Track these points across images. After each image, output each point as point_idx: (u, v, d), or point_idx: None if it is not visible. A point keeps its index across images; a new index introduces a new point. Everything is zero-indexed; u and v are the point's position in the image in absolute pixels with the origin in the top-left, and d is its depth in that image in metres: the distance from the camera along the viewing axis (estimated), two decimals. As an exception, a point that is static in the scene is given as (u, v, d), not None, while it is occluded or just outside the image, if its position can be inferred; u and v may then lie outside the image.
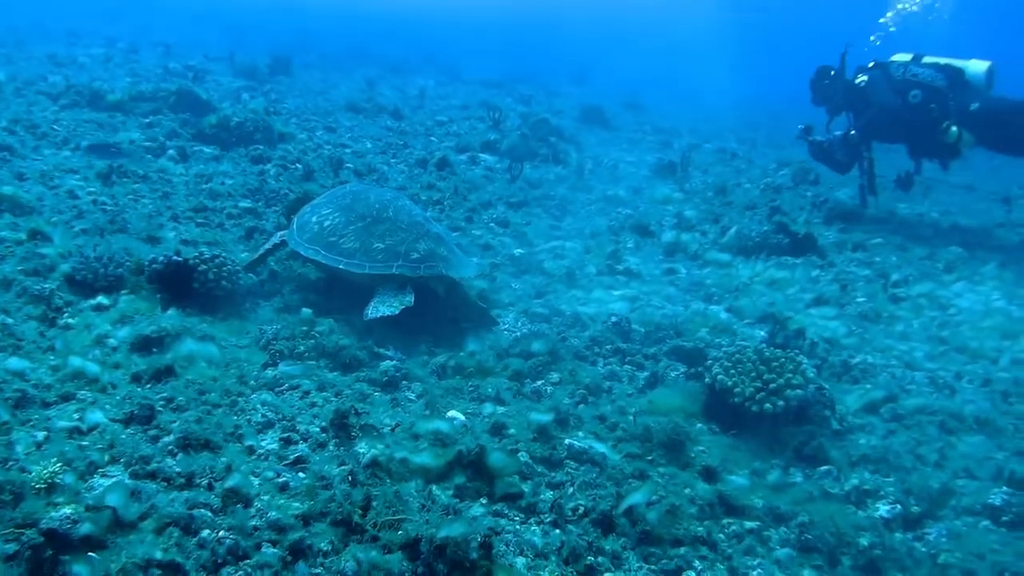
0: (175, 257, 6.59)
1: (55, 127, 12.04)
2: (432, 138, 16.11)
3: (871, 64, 13.04)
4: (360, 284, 7.11)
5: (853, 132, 13.01)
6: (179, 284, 6.58)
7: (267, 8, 52.18)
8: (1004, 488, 5.34)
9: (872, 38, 16.84)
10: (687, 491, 4.91)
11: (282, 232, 7.71)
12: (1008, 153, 13.04)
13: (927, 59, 12.53)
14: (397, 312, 6.66)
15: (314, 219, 7.37)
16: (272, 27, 39.49)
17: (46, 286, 6.38)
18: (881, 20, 17.91)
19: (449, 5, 79.83)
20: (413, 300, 6.81)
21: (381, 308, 6.72)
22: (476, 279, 8.34)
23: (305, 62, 25.84)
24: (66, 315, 6.19)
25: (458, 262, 7.34)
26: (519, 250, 9.47)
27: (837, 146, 13.21)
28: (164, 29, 30.98)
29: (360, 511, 4.16)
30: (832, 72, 13.36)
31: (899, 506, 5.07)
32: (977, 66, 12.19)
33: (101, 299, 6.47)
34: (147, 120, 13.30)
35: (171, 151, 11.55)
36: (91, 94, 14.01)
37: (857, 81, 12.94)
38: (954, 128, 12.05)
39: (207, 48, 26.35)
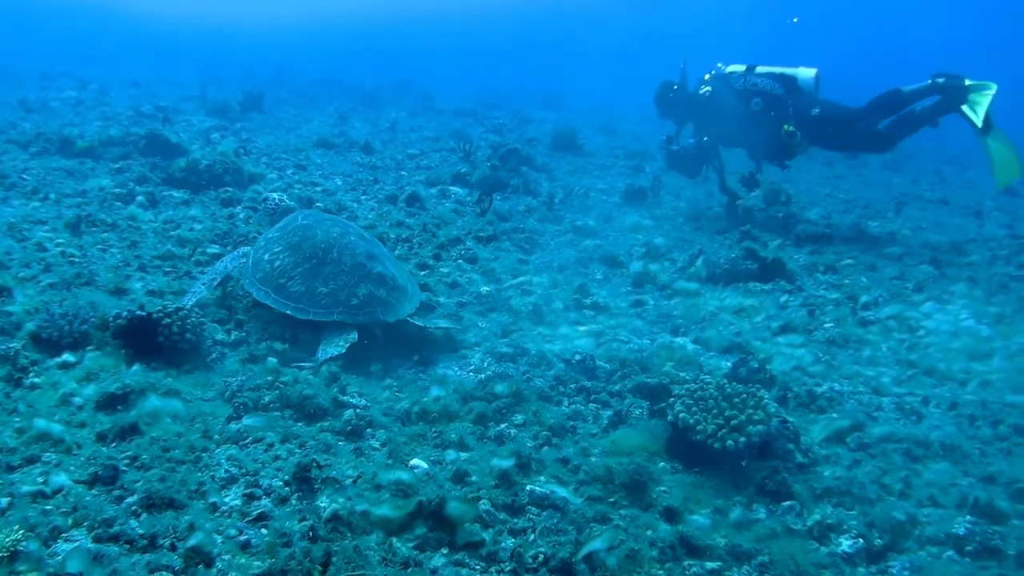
0: (139, 312, 6.60)
1: (24, 176, 12.03)
2: (403, 172, 16.14)
3: (707, 76, 14.27)
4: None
5: (706, 139, 14.18)
6: (144, 339, 6.57)
7: (242, 42, 52.26)
8: (968, 516, 5.36)
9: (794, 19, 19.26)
10: (648, 533, 4.91)
11: (244, 248, 8.22)
12: (843, 152, 15.49)
13: (760, 68, 13.81)
14: (344, 350, 7.13)
15: (266, 256, 7.80)
16: (247, 59, 39.57)
17: (11, 345, 6.37)
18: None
19: (428, 31, 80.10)
20: (357, 336, 7.32)
21: (329, 349, 7.18)
22: (440, 319, 8.38)
23: (278, 97, 25.85)
24: (31, 374, 6.18)
25: (397, 302, 7.77)
26: (486, 287, 9.47)
27: (690, 153, 14.38)
28: (138, 67, 31.06)
29: (320, 568, 4.17)
30: (675, 86, 14.47)
31: (862, 540, 5.08)
32: (806, 72, 13.58)
33: (67, 356, 6.46)
34: (116, 166, 13.27)
35: (140, 197, 11.52)
36: (61, 141, 14.02)
37: (701, 92, 14.09)
38: (794, 130, 13.22)
39: (181, 85, 26.43)
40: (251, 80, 27.56)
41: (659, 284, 10.20)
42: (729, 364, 7.64)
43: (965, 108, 12.38)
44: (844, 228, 13.70)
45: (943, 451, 6.34)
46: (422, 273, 9.77)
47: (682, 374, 7.37)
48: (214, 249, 9.74)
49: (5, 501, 4.60)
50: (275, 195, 9.75)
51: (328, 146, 17.92)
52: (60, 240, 9.39)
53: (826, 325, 8.98)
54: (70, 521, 4.46)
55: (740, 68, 14.03)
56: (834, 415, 6.85)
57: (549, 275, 10.13)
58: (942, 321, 9.17)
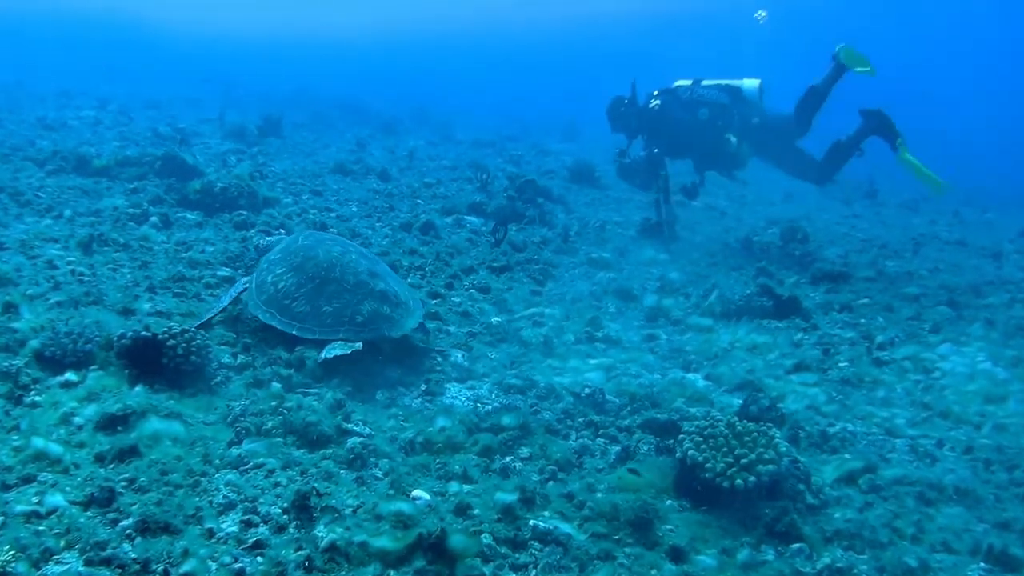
0: (143, 332, 6.53)
1: (39, 194, 12.01)
2: (419, 200, 16.07)
3: (656, 92, 14.69)
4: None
5: (656, 151, 14.49)
6: (148, 359, 6.49)
7: (263, 65, 52.42)
8: (982, 563, 5.26)
9: (760, 13, 21.09)
10: (653, 572, 4.81)
11: (243, 280, 8.21)
12: (784, 170, 15.19)
13: (706, 82, 14.46)
14: (348, 352, 7.30)
15: (269, 279, 7.88)
16: (268, 82, 39.65)
17: (14, 363, 6.30)
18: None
19: (449, 61, 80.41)
20: (361, 346, 7.44)
21: (333, 351, 7.31)
22: (452, 349, 8.29)
23: (297, 121, 25.83)
24: (33, 393, 6.10)
25: (400, 317, 7.91)
26: (497, 318, 9.41)
27: (641, 165, 14.73)
28: (158, 87, 31.09)
29: (314, 599, 4.09)
30: (626, 101, 14.83)
31: (872, 585, 5.00)
32: (751, 83, 14.31)
33: (70, 375, 6.37)
34: (132, 186, 13.25)
35: (154, 218, 11.49)
36: (77, 159, 13.98)
37: (651, 105, 14.48)
38: (733, 138, 13.91)
39: (201, 106, 26.42)
40: (269, 103, 27.56)
41: (672, 319, 10.11)
42: (740, 401, 7.53)
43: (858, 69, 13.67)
44: (861, 267, 13.58)
45: (957, 495, 6.21)
46: (433, 302, 9.69)
47: (692, 410, 7.27)
48: (225, 272, 9.68)
49: (-2, 520, 4.52)
50: (266, 239, 9.65)
51: (345, 172, 17.87)
52: (71, 258, 9.34)
53: (840, 364, 8.88)
54: (62, 543, 4.37)
55: (687, 82, 14.63)
56: (846, 456, 6.74)
57: (562, 307, 10.04)
58: (958, 363, 9.05)
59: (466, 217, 14.68)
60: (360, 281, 7.87)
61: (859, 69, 13.61)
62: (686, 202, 15.40)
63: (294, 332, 7.53)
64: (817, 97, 14.05)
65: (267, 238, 9.44)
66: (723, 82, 14.44)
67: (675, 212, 15.26)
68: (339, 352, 7.27)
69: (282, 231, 11.59)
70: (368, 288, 7.84)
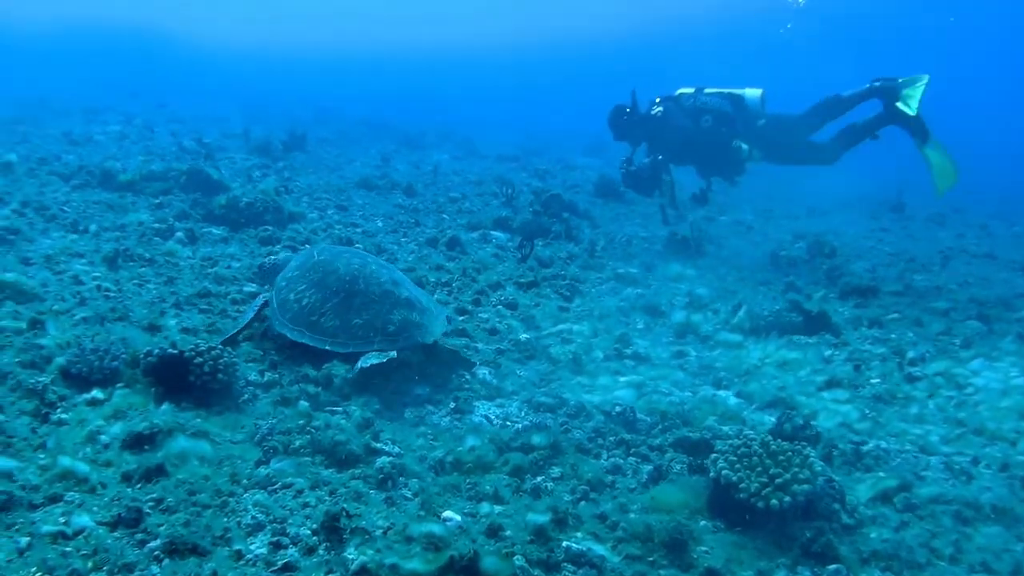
0: (170, 350, 6.49)
1: (64, 209, 12.02)
2: (444, 215, 16.05)
3: (658, 100, 14.89)
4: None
5: (660, 157, 14.53)
6: (174, 377, 6.45)
7: (287, 83, 52.59)
8: (1022, 584, 5.18)
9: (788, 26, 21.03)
10: (689, 595, 4.75)
11: (264, 295, 8.20)
12: (791, 165, 15.24)
13: (708, 90, 14.60)
14: (384, 361, 7.28)
15: (292, 296, 7.85)
16: (292, 99, 39.76)
17: (41, 380, 6.26)
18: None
19: (469, 78, 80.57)
20: (396, 353, 7.43)
21: (369, 360, 7.30)
22: (481, 366, 8.23)
23: (321, 137, 25.89)
24: (59, 410, 6.06)
25: (429, 323, 7.95)
26: (525, 335, 9.32)
27: (646, 172, 14.74)
28: (182, 104, 31.19)
29: (345, 624, 4.02)
30: (628, 110, 14.95)
31: (911, 608, 4.90)
32: (752, 92, 14.43)
33: (96, 393, 6.32)
34: (157, 200, 13.27)
35: (180, 233, 11.48)
36: (102, 174, 14.03)
37: (653, 113, 14.66)
38: (744, 145, 14.04)
39: (225, 124, 26.47)
40: (294, 119, 27.61)
41: (701, 335, 10.01)
42: (772, 419, 7.42)
43: (899, 104, 13.39)
44: (889, 281, 13.47)
45: (994, 514, 6.10)
46: (461, 318, 9.63)
47: (725, 428, 7.18)
48: (251, 287, 9.63)
49: (25, 541, 4.46)
50: (271, 258, 9.58)
51: (370, 187, 17.87)
52: (97, 274, 9.33)
53: (872, 381, 8.76)
54: (90, 564, 4.32)
55: (690, 90, 14.75)
56: (881, 474, 6.63)
57: (590, 323, 9.94)
58: (991, 379, 8.92)
59: (492, 232, 14.63)
60: (386, 291, 7.86)
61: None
62: (714, 217, 15.38)
63: (327, 347, 7.49)
64: (850, 135, 14.26)
65: (272, 257, 9.36)
66: (725, 90, 14.59)
67: (701, 227, 15.26)
68: (375, 361, 7.25)
69: (307, 246, 11.55)
70: (395, 297, 7.84)
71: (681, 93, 14.78)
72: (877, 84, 13.80)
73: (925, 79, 13.37)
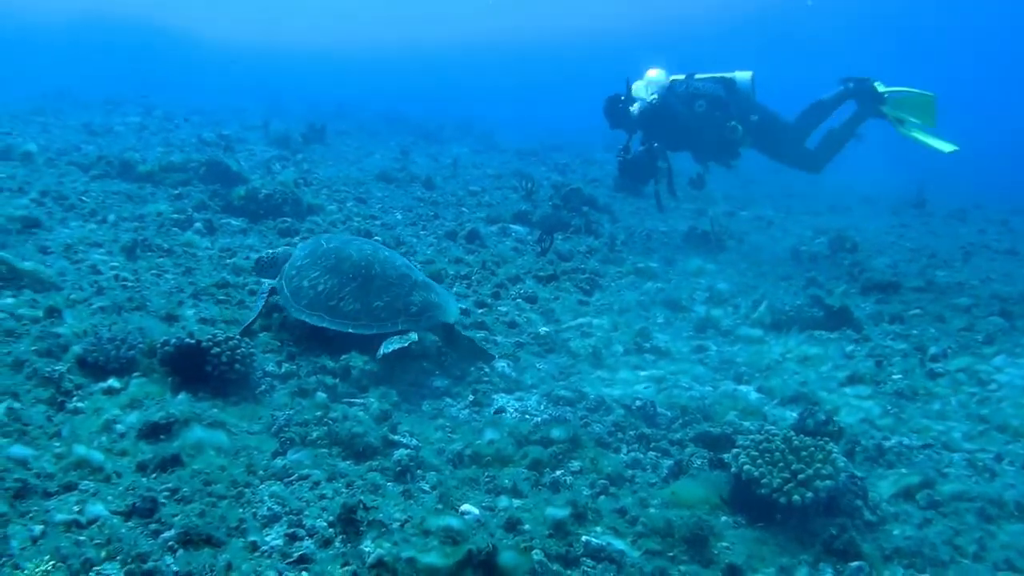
0: (187, 339, 6.45)
1: (83, 199, 12.01)
2: (463, 209, 16.02)
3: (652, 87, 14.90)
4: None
5: (656, 144, 14.72)
6: (191, 367, 6.41)
7: (306, 76, 52.70)
8: (1047, 584, 5.10)
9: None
10: (709, 592, 4.67)
11: (269, 281, 8.19)
12: (776, 161, 15.45)
13: (699, 75, 14.82)
14: (406, 345, 7.33)
15: (305, 284, 7.79)
16: (311, 92, 39.81)
17: (57, 368, 6.24)
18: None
19: (490, 68, 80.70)
20: (417, 337, 7.50)
21: (392, 345, 7.31)
22: (500, 359, 8.18)
23: (341, 129, 25.90)
24: (75, 399, 6.03)
25: (446, 304, 8.02)
26: (545, 328, 9.26)
27: (642, 160, 14.95)
28: (203, 97, 31.25)
29: (361, 617, 3.96)
30: (622, 98, 15.02)
31: (935, 607, 4.83)
32: (743, 75, 14.70)
33: (112, 382, 6.30)
34: (176, 191, 13.27)
35: (198, 224, 11.48)
36: (122, 164, 14.02)
37: (649, 100, 14.66)
38: (739, 126, 14.20)
39: (245, 115, 26.55)
40: (314, 112, 27.61)
41: (722, 330, 9.94)
42: (794, 415, 7.36)
43: (886, 109, 13.88)
44: (911, 277, 13.38)
45: (1018, 512, 6.00)
46: (480, 311, 9.58)
47: (746, 424, 7.10)
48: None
49: (39, 529, 4.43)
50: (269, 252, 9.46)
51: (389, 180, 17.87)
52: (115, 263, 9.31)
53: (894, 376, 8.68)
54: (103, 554, 4.28)
55: (680, 76, 14.90)
56: (903, 470, 6.54)
57: (610, 317, 9.88)
58: (1015, 375, 8.83)
59: (511, 226, 14.60)
60: (402, 274, 7.88)
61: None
62: (734, 212, 15.34)
63: (350, 330, 7.49)
64: (832, 143, 14.75)
65: (269, 251, 9.26)
66: (716, 75, 14.77)
67: (722, 222, 15.26)
68: (397, 346, 7.27)
69: (311, 236, 11.53)
70: (412, 279, 7.87)
71: (673, 80, 14.89)
72: (851, 85, 14.22)
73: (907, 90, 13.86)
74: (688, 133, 14.58)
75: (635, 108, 14.64)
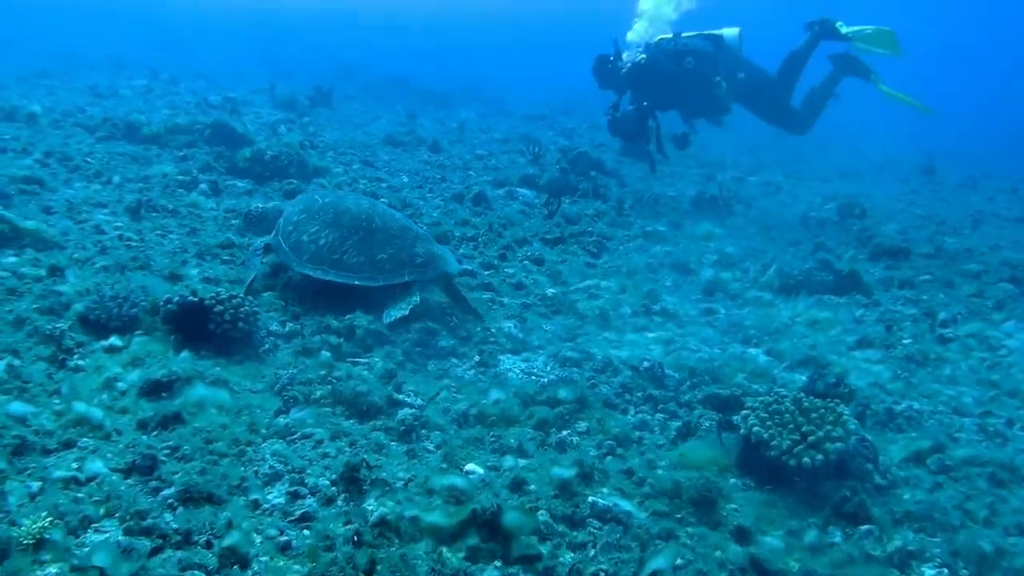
0: (190, 297, 6.37)
1: (88, 160, 11.94)
2: (470, 172, 15.95)
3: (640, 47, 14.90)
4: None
5: (645, 103, 14.61)
6: (194, 325, 6.35)
7: (312, 39, 52.49)
8: (1059, 548, 5.02)
9: None
10: (717, 554, 4.57)
11: (263, 239, 8.12)
12: (764, 120, 15.56)
13: (685, 34, 14.83)
14: (407, 312, 7.30)
15: (305, 238, 7.73)
16: (319, 56, 39.64)
17: (58, 326, 6.17)
18: None
19: (499, 32, 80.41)
20: (419, 299, 7.49)
21: (394, 312, 7.32)
22: (506, 320, 8.12)
23: (347, 93, 25.83)
24: (76, 357, 5.97)
25: (447, 255, 8.02)
26: (552, 290, 9.18)
27: (632, 118, 14.80)
28: (209, 60, 31.16)
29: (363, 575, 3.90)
30: (611, 58, 14.91)
31: (946, 570, 4.74)
32: (730, 31, 14.73)
33: (114, 340, 6.24)
34: (181, 153, 13.19)
35: (203, 185, 11.41)
36: (127, 126, 13.94)
37: (637, 59, 14.59)
38: (723, 81, 14.24)
39: (251, 78, 26.47)
40: (320, 76, 27.48)
41: (731, 293, 9.86)
42: (802, 378, 7.29)
43: (857, 43, 14.50)
44: (920, 243, 13.30)
45: (1030, 477, 5.96)
46: (486, 272, 9.50)
47: (755, 386, 7.03)
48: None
49: (36, 485, 4.39)
50: (258, 206, 9.35)
51: (396, 143, 17.79)
52: (119, 224, 9.26)
53: (904, 341, 8.62)
54: (102, 511, 4.24)
55: (668, 35, 14.93)
56: (913, 435, 6.47)
57: (617, 280, 9.79)
58: (1024, 340, 8.79)
59: (518, 189, 14.50)
60: (403, 226, 7.90)
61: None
62: (743, 177, 15.27)
63: (356, 282, 7.49)
64: (814, 103, 15.20)
65: (258, 206, 9.13)
66: (704, 32, 14.81)
67: (731, 187, 15.23)
68: (398, 314, 7.27)
69: (303, 192, 11.48)
70: (414, 232, 7.89)
71: (661, 39, 14.87)
72: (816, 28, 14.58)
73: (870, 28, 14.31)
74: (677, 91, 14.57)
75: (627, 56, 14.70)
